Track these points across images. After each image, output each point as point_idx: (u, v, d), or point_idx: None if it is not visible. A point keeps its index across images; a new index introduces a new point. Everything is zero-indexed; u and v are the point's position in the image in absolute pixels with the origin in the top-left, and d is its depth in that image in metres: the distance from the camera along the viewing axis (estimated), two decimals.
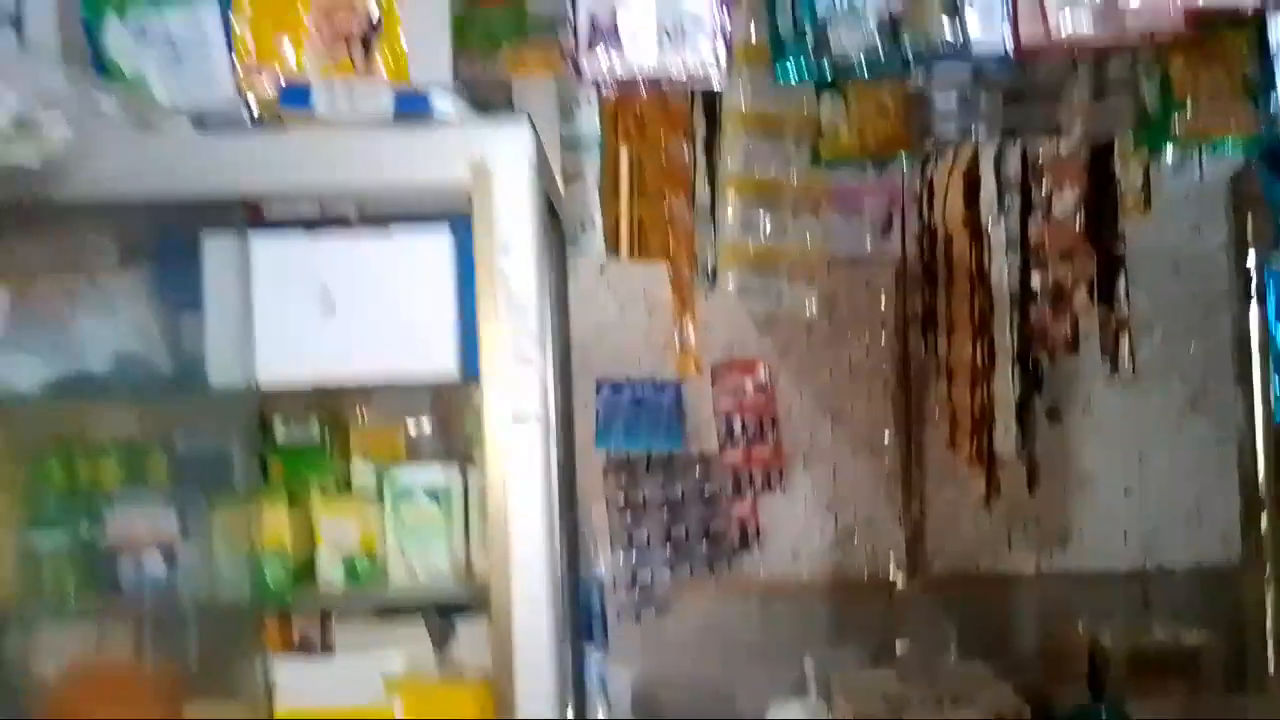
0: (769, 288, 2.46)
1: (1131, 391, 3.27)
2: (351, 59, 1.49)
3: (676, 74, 1.48)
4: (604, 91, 1.60)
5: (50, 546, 1.43)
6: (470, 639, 1.49)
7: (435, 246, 1.40)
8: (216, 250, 1.40)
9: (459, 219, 1.38)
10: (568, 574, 1.61)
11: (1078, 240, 2.93)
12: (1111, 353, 2.88)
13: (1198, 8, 1.39)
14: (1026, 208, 3.01)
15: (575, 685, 1.78)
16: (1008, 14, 1.41)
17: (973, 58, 1.42)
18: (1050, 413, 3.19)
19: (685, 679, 3.33)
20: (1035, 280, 3.00)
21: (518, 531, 1.32)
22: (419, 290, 1.40)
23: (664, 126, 2.38)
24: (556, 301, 1.66)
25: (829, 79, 1.45)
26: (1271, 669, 3.03)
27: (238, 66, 1.49)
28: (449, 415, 1.56)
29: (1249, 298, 3.00)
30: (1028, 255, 3.00)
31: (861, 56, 1.43)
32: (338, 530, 1.49)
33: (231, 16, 1.47)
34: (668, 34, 1.46)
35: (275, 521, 1.47)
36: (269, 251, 1.40)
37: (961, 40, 1.39)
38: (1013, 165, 2.96)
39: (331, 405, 1.58)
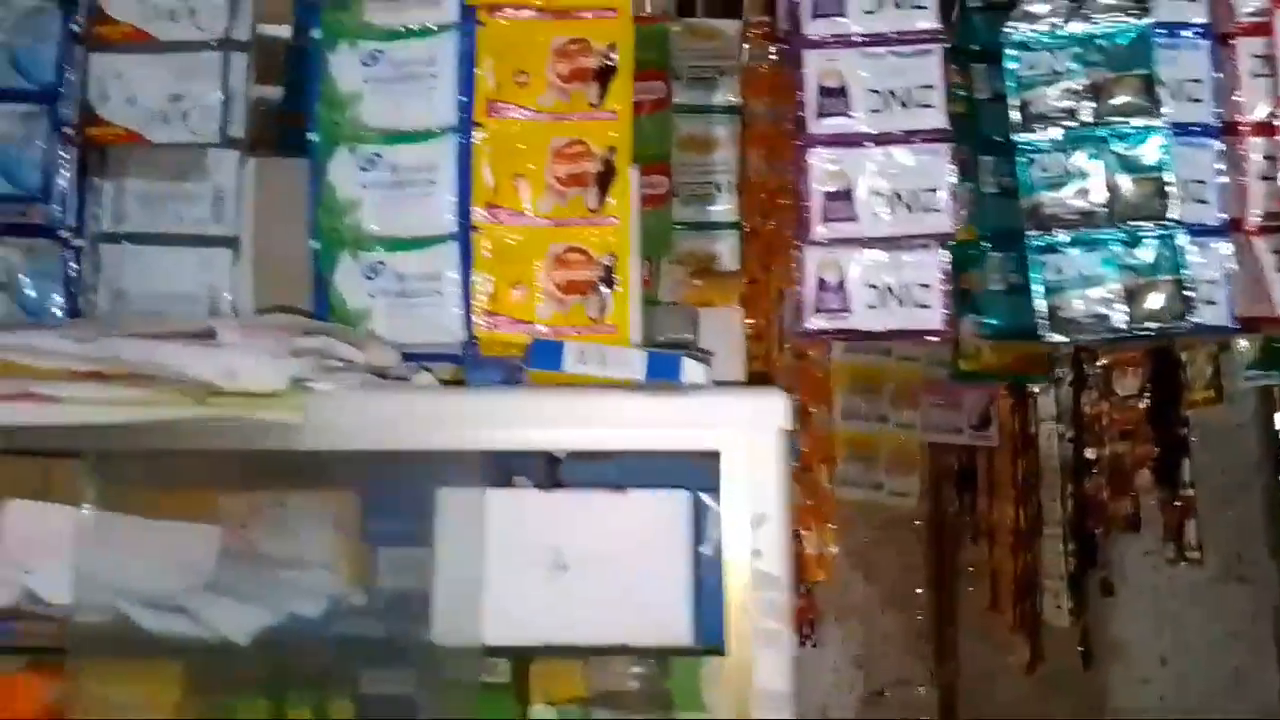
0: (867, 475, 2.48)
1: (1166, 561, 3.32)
2: (584, 307, 1.49)
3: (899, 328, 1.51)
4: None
5: None
6: None
7: (673, 509, 1.38)
8: (451, 504, 1.36)
9: (696, 479, 1.37)
10: None
11: (1139, 421, 3.00)
12: (1175, 538, 2.93)
13: None
14: (1080, 380, 3.07)
15: None
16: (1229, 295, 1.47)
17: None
18: (1104, 585, 3.23)
19: None
20: (1090, 453, 3.06)
21: None
22: (654, 553, 1.38)
23: None
24: None
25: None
26: None
27: (472, 313, 1.48)
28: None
29: None
30: (1081, 427, 3.05)
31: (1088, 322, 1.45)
32: None
33: (473, 270, 1.48)
34: (896, 298, 1.49)
35: None
36: (503, 507, 1.37)
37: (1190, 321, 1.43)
38: None
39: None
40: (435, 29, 1.58)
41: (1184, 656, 3.42)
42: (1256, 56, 1.57)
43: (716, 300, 1.96)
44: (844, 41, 1.56)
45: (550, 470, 1.47)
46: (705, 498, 1.37)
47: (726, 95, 2.25)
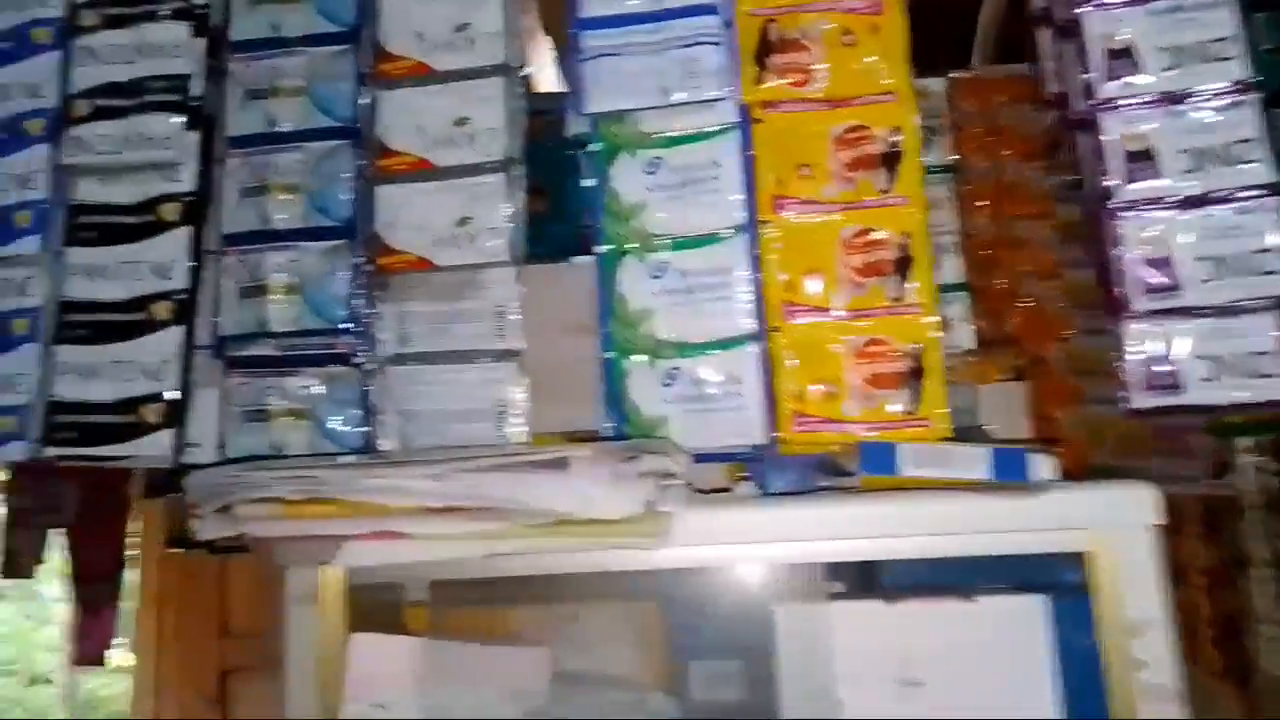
0: None
1: None
2: (894, 402, 1.43)
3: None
4: None
5: None
6: None
7: (1028, 615, 1.30)
8: (791, 620, 1.31)
9: (1031, 575, 1.28)
10: None
11: None
12: None
13: None
14: None
15: None
16: None
17: None
18: None
19: None
20: None
21: None
22: (1010, 663, 1.29)
23: None
24: None
25: None
26: None
27: (777, 413, 1.44)
28: None
29: None
30: None
31: None
32: None
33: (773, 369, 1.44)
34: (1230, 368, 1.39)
35: None
36: (847, 622, 1.31)
37: None
38: None
39: None
40: (713, 130, 1.56)
41: None
42: None
43: (993, 374, 1.87)
44: (1145, 103, 1.48)
45: (864, 577, 1.40)
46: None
47: (940, 154, 2.18)
